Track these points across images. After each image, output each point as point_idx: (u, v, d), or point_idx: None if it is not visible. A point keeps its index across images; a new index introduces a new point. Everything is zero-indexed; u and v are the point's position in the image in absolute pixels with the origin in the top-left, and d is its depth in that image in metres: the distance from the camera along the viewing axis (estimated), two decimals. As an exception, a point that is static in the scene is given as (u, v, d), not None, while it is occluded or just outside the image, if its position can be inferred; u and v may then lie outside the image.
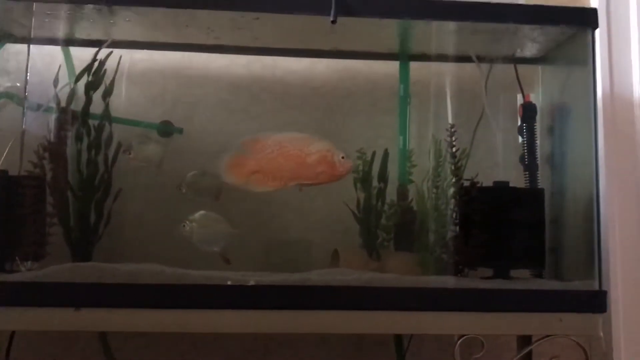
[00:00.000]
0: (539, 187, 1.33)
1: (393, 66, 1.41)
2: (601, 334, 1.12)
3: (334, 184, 1.19)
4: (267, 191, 1.17)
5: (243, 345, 1.42)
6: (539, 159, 1.35)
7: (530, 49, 1.35)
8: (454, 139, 1.26)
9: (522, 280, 1.25)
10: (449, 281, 1.18)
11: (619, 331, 1.43)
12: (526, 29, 1.23)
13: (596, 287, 1.15)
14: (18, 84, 1.30)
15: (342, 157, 1.16)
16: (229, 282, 1.09)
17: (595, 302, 1.13)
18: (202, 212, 1.22)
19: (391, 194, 1.33)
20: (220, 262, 1.24)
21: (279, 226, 1.40)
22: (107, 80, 1.27)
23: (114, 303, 1.06)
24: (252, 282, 1.09)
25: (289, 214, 1.40)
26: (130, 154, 1.25)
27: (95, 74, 1.26)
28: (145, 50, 1.40)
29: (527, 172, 1.35)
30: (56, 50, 1.34)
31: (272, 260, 1.35)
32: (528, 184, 1.34)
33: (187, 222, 1.21)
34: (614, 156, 1.48)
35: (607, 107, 1.50)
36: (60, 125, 1.21)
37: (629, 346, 1.43)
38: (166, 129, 1.38)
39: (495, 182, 1.26)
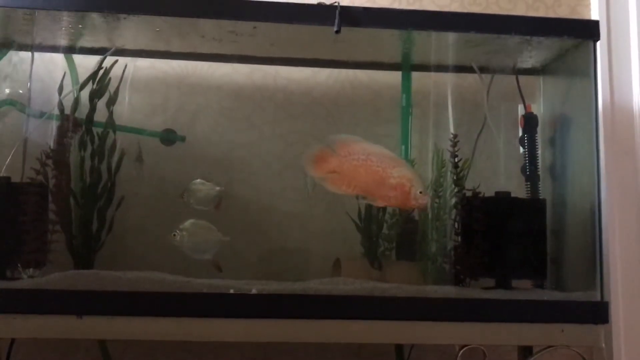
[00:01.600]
0: (541, 197, 1.33)
1: (395, 76, 1.42)
2: (603, 344, 1.12)
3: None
4: (338, 193, 1.16)
5: (243, 354, 1.42)
6: (540, 169, 1.35)
7: (531, 60, 1.36)
8: (456, 148, 1.26)
9: (523, 290, 1.25)
10: (451, 291, 1.18)
11: (619, 342, 1.43)
12: (529, 40, 1.23)
13: (598, 298, 1.15)
14: (21, 91, 1.30)
15: (420, 192, 1.14)
16: (231, 291, 1.09)
17: (597, 312, 1.13)
18: (191, 220, 1.21)
19: (393, 203, 1.33)
20: (222, 270, 1.23)
21: (281, 235, 1.40)
22: (111, 88, 1.27)
23: (116, 311, 1.06)
24: (254, 291, 1.09)
25: (290, 223, 1.40)
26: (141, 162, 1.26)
27: (100, 82, 1.26)
28: (147, 58, 1.40)
29: (528, 183, 1.35)
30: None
31: (274, 269, 1.35)
32: (529, 195, 1.34)
33: (177, 231, 1.20)
34: (615, 167, 1.49)
35: (608, 117, 1.50)
36: (64, 133, 1.21)
37: (630, 358, 1.42)
38: (169, 137, 1.38)
39: (496, 192, 1.26)
